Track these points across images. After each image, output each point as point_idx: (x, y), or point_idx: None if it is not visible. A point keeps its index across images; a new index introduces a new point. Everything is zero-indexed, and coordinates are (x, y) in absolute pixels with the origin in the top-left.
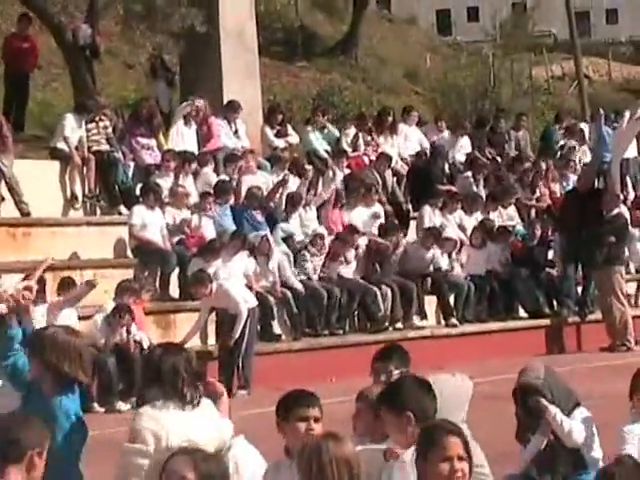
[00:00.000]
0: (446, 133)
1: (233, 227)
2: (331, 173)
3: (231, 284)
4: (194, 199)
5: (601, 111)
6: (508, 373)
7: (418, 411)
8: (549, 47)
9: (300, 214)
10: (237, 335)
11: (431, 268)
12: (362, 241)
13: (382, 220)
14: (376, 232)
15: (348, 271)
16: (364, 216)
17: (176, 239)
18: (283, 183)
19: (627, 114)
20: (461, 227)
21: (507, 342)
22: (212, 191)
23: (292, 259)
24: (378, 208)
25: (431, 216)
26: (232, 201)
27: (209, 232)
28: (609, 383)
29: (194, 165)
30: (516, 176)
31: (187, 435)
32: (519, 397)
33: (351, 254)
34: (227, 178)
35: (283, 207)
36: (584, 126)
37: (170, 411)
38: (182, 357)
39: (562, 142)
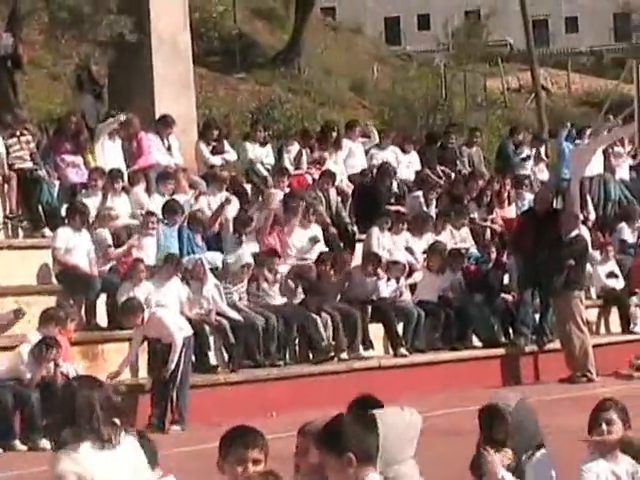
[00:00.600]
0: (394, 149)
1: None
2: (270, 192)
3: (165, 311)
4: (125, 220)
5: (567, 125)
6: (460, 406)
7: (360, 452)
8: (505, 57)
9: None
10: (172, 367)
11: (374, 296)
12: (282, 268)
13: (322, 244)
14: (314, 257)
15: (276, 297)
16: (302, 240)
17: (109, 265)
18: (226, 203)
19: (589, 131)
20: (409, 250)
21: (460, 373)
22: (160, 210)
23: (222, 289)
24: (317, 230)
25: (379, 238)
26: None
27: (150, 254)
28: (568, 417)
29: (123, 184)
30: (470, 195)
31: (111, 477)
32: (482, 420)
33: (270, 278)
34: (161, 197)
35: (231, 230)
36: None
37: (90, 452)
38: (100, 391)
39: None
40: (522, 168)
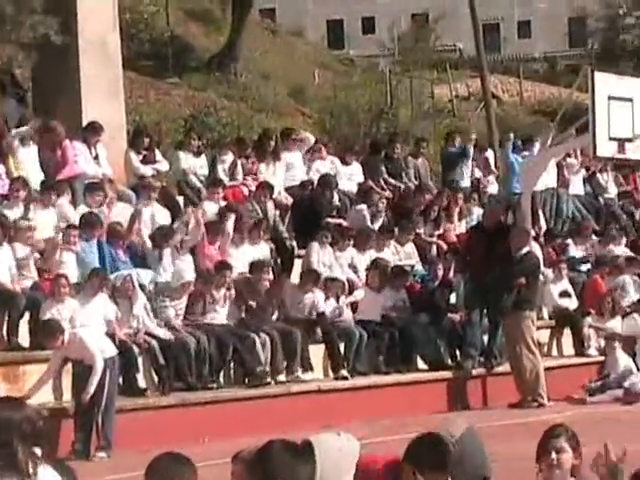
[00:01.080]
0: (333, 160)
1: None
2: (204, 206)
3: (86, 332)
4: (49, 232)
5: (511, 136)
6: (404, 433)
7: None
8: (454, 63)
9: (172, 254)
10: (92, 390)
11: (313, 314)
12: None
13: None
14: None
15: (217, 316)
16: (250, 257)
17: (31, 281)
18: (137, 215)
19: (538, 143)
20: (352, 266)
21: (404, 397)
22: (77, 224)
23: (149, 307)
24: (265, 248)
25: (319, 254)
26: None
27: (71, 270)
28: (517, 444)
29: (45, 195)
30: (417, 209)
31: None
32: (423, 449)
33: (219, 295)
34: (87, 209)
35: (150, 244)
36: (489, 154)
37: None
38: (19, 415)
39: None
40: (460, 178)
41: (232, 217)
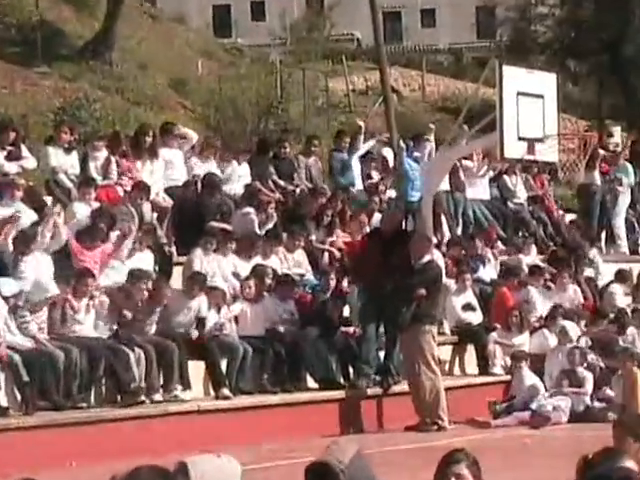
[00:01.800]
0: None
1: None
2: (74, 207)
3: None
4: None
5: (401, 144)
6: (291, 458)
7: None
8: (350, 54)
9: (34, 260)
10: None
11: (193, 328)
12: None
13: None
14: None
15: (81, 327)
16: (131, 264)
17: None
18: (12, 221)
19: (429, 142)
20: (235, 275)
21: (292, 419)
22: None
23: (12, 318)
24: (148, 255)
25: (202, 261)
26: None
27: None
28: (415, 471)
29: None
30: (309, 213)
31: None
32: (309, 477)
33: (80, 305)
34: None
35: (11, 250)
36: (387, 152)
37: None
38: None
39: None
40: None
41: (108, 220)
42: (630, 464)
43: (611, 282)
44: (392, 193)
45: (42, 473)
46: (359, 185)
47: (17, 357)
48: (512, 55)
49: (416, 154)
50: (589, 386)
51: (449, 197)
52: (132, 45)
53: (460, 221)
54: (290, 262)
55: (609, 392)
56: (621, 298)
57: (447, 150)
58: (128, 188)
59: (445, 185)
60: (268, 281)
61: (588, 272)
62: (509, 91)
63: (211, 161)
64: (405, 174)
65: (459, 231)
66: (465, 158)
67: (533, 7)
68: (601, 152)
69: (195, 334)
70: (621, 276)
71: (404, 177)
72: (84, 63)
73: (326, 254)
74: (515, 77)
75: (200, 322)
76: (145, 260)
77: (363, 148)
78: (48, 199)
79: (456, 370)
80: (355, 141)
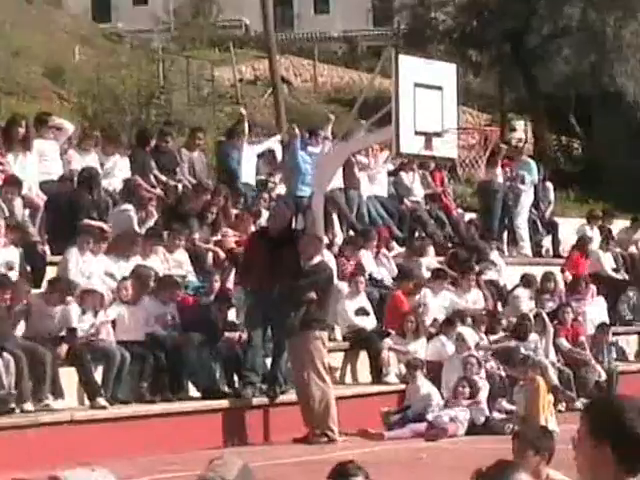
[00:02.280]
0: (97, 151)
1: None
2: None
3: None
4: None
5: (296, 130)
6: (172, 471)
7: None
8: (238, 42)
9: None
10: None
11: (65, 332)
12: None
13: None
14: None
15: None
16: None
17: None
18: None
19: (325, 133)
20: (110, 275)
21: (173, 430)
22: None
23: None
24: (13, 253)
25: (79, 261)
26: None
27: None
28: None
29: None
30: (192, 210)
31: None
32: None
33: None
34: None
35: None
36: (276, 147)
37: None
38: None
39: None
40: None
41: None
42: (524, 477)
43: (516, 286)
44: (281, 189)
45: None
46: (251, 181)
47: None
48: (410, 44)
49: (312, 149)
50: (484, 395)
51: (343, 195)
52: (4, 30)
53: (354, 220)
54: (171, 262)
55: (505, 404)
56: (526, 303)
57: (339, 144)
58: None
59: (339, 182)
60: (151, 283)
61: (490, 275)
62: (406, 82)
63: (90, 154)
64: (297, 166)
65: (352, 231)
66: (361, 153)
67: None
68: (503, 147)
69: (64, 346)
70: (526, 280)
71: (295, 170)
72: None
73: (210, 254)
74: (412, 67)
75: (70, 332)
76: (10, 259)
77: (264, 144)
78: None
79: (348, 378)
80: (242, 133)
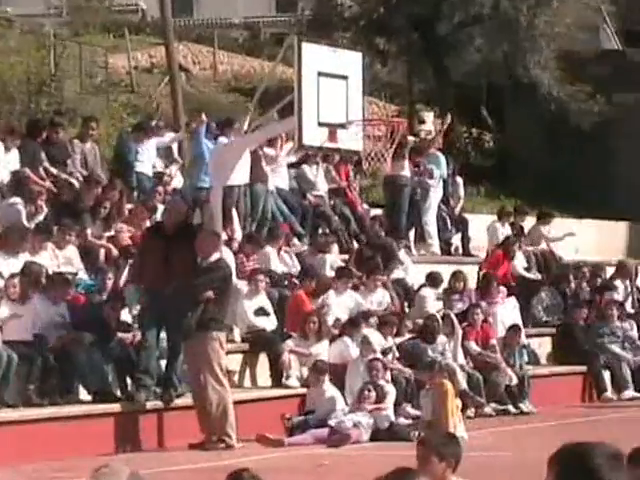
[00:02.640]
0: None
1: None
2: None
3: None
4: None
5: (204, 118)
6: (58, 479)
7: None
8: (135, 28)
9: None
10: None
11: None
12: None
13: None
14: None
15: None
16: None
17: None
18: None
19: (241, 126)
20: None
21: (61, 436)
22: None
23: None
24: None
25: None
26: None
27: None
28: None
29: None
30: (84, 204)
31: None
32: None
33: None
34: None
35: None
36: (175, 136)
37: None
38: None
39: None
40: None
41: None
42: None
43: (422, 286)
44: (178, 183)
45: None
46: (149, 173)
47: None
48: (314, 31)
49: (222, 140)
50: (391, 400)
51: (247, 189)
52: None
53: (258, 215)
54: (60, 259)
55: (411, 409)
56: (432, 303)
57: (239, 136)
58: None
59: (245, 176)
60: (42, 280)
61: (396, 274)
62: (309, 71)
63: None
64: (200, 156)
65: (254, 227)
66: (269, 146)
67: None
68: (411, 140)
69: None
70: (432, 279)
71: (199, 159)
72: None
73: (102, 250)
74: (316, 56)
75: None
76: None
77: (166, 138)
78: None
79: (246, 382)
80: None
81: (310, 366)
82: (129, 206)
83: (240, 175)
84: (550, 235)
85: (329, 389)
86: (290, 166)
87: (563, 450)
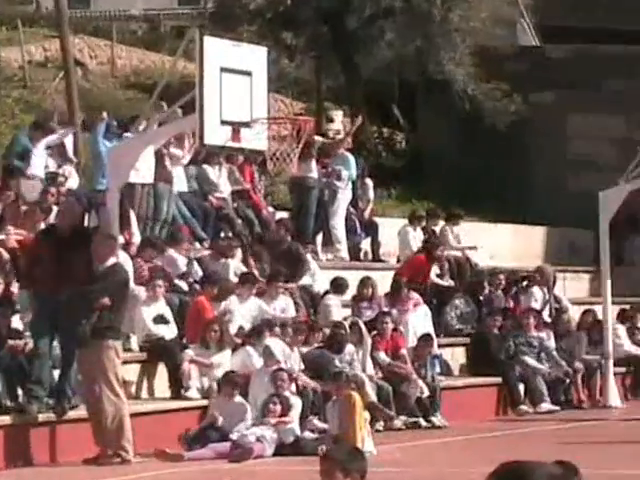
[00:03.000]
0: None
1: None
2: None
3: None
4: None
5: (104, 116)
6: None
7: None
8: (28, 19)
9: None
10: None
11: None
12: None
13: None
14: None
15: None
16: None
17: None
18: None
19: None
20: None
21: None
22: None
23: None
24: None
25: None
26: None
27: None
28: None
29: None
30: None
31: None
32: None
33: None
34: None
35: None
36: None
37: None
38: None
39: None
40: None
41: None
42: None
43: (326, 292)
44: (73, 183)
45: None
46: (41, 174)
47: None
48: (217, 24)
49: (126, 136)
50: (296, 413)
51: (151, 189)
52: None
53: (162, 217)
54: None
55: (317, 422)
56: (337, 311)
57: (136, 134)
58: None
59: (149, 175)
60: None
61: (303, 280)
62: (211, 66)
63: None
64: (98, 156)
65: (157, 230)
66: (175, 145)
67: None
68: (318, 140)
69: None
70: (337, 285)
71: (97, 159)
72: None
73: None
74: (219, 50)
75: None
76: None
77: (54, 135)
78: None
79: (144, 393)
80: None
81: (221, 378)
82: (24, 208)
83: (143, 173)
84: (457, 241)
85: (240, 401)
86: (190, 163)
87: (501, 470)
